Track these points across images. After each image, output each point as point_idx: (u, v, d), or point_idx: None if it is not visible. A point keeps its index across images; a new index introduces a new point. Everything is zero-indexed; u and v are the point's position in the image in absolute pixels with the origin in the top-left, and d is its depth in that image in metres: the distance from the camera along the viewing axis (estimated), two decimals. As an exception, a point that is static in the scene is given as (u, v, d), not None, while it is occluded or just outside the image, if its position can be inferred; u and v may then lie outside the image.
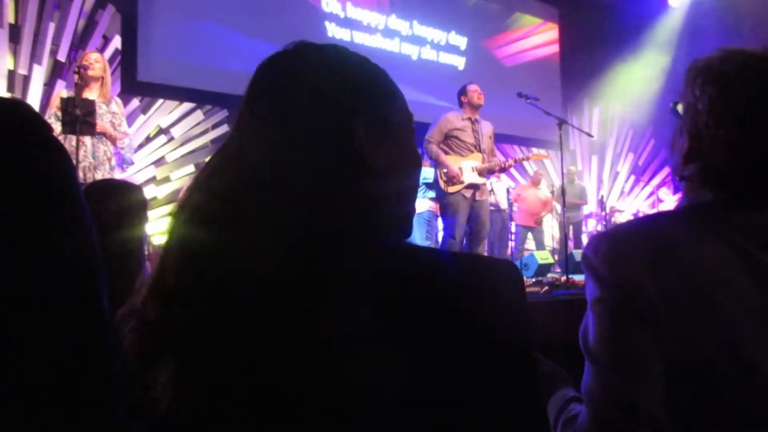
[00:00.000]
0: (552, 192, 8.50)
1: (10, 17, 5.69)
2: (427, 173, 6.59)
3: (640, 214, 10.28)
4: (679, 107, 0.92)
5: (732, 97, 0.83)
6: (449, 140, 4.57)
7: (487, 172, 4.62)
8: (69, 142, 3.49)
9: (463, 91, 4.71)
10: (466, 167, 4.50)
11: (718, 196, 0.84)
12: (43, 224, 0.53)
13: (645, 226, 0.87)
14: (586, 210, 9.44)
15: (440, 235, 7.64)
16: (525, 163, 9.18)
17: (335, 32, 7.71)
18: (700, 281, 0.76)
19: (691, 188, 0.89)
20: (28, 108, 0.57)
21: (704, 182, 0.86)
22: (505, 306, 0.64)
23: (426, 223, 6.51)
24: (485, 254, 4.97)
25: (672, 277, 0.77)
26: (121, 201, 1.59)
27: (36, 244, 0.52)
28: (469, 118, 4.62)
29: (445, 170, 4.49)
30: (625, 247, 0.81)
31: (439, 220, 7.17)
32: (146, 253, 5.45)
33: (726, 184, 0.84)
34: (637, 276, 0.78)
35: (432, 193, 6.56)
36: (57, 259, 0.54)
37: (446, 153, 4.56)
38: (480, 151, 4.62)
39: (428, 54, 8.59)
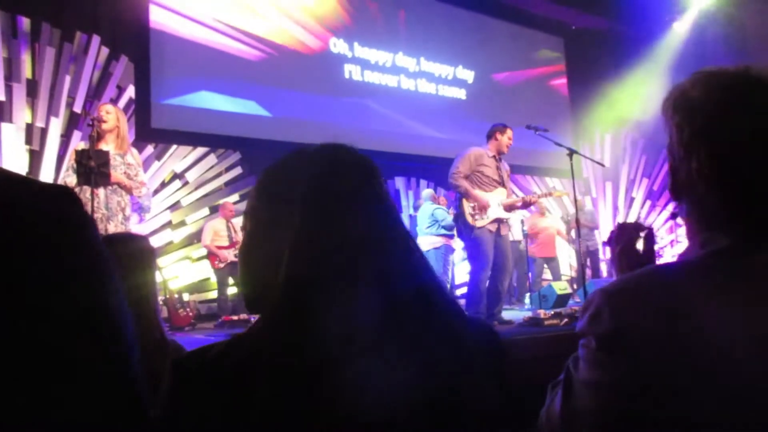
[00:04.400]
0: (566, 221, 8.46)
1: (27, 72, 5.85)
2: (437, 215, 6.61)
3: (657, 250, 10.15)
4: None
5: (697, 123, 0.75)
6: (474, 175, 4.59)
7: (509, 208, 4.64)
8: (84, 194, 3.54)
9: (498, 130, 4.71)
10: (493, 201, 4.52)
11: (734, 241, 0.72)
12: (78, 286, 0.56)
13: (651, 281, 0.76)
14: (602, 237, 9.35)
15: (456, 268, 7.62)
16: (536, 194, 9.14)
17: (344, 72, 7.84)
18: (701, 351, 0.67)
19: (696, 228, 0.78)
20: (71, 194, 0.61)
21: (703, 221, 0.76)
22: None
23: (442, 257, 6.53)
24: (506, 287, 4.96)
25: (673, 331, 0.68)
26: (127, 250, 1.62)
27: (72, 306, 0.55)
28: (494, 156, 4.67)
29: (473, 204, 4.50)
30: (627, 308, 0.72)
31: (455, 254, 7.16)
32: (163, 298, 5.44)
33: (726, 221, 0.73)
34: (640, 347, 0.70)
35: (444, 230, 6.56)
36: (94, 322, 0.57)
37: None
38: (503, 186, 4.65)
39: (435, 88, 8.69)
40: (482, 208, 4.48)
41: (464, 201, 4.53)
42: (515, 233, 7.41)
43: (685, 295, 0.71)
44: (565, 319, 4.10)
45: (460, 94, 8.95)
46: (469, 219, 4.48)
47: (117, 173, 3.65)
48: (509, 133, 4.70)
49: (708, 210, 0.76)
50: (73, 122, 6.10)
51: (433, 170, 7.98)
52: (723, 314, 0.68)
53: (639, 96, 10.01)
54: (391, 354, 0.64)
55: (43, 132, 5.90)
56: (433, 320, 0.71)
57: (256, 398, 0.61)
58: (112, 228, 3.53)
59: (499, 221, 4.56)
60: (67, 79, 6.07)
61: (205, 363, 0.65)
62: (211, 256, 6.36)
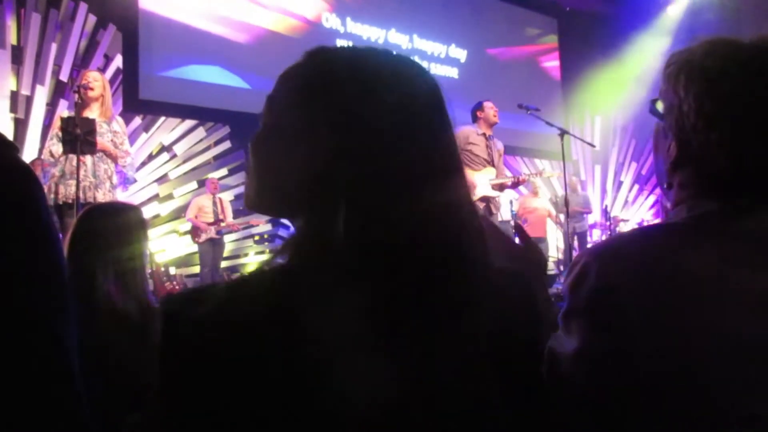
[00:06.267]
0: (555, 203, 8.47)
1: (12, 38, 5.73)
2: None
3: (645, 224, 10.23)
4: (659, 105, 0.82)
5: (721, 95, 0.73)
6: (463, 154, 4.56)
7: (500, 187, 4.64)
8: (70, 162, 3.49)
9: (479, 107, 4.70)
10: (481, 180, 4.51)
11: (723, 205, 0.74)
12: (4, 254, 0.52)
13: (637, 240, 0.78)
14: (590, 219, 9.40)
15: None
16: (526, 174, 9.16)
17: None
18: (690, 290, 0.68)
19: (686, 196, 0.79)
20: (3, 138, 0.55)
21: (699, 189, 0.77)
22: (521, 316, 0.69)
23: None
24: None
25: (659, 286, 0.69)
26: (119, 221, 1.59)
27: None
28: (484, 134, 4.64)
29: None
30: (614, 265, 0.72)
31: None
32: (149, 271, 5.43)
33: (724, 189, 0.74)
34: (620, 288, 0.70)
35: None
36: (14, 292, 0.52)
37: None
38: (493, 165, 4.63)
39: (427, 66, 8.59)
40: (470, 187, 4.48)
41: None
42: (503, 213, 7.43)
43: (669, 254, 0.71)
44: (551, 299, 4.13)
45: (453, 72, 8.89)
46: None
47: (104, 140, 3.60)
48: (487, 104, 4.67)
49: (713, 178, 0.76)
50: (59, 91, 6.00)
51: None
52: (706, 272, 0.69)
53: (631, 79, 10.01)
54: (392, 351, 0.58)
55: (29, 100, 5.80)
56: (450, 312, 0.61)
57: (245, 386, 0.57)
58: (101, 196, 3.49)
59: (487, 200, 4.55)
60: (54, 46, 5.95)
61: (200, 327, 0.59)
62: (193, 230, 6.32)
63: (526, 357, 0.68)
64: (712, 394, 0.66)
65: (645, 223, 10.28)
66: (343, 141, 0.61)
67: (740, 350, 0.66)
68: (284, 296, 0.59)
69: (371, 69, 0.67)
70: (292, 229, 0.68)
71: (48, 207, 0.58)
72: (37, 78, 5.84)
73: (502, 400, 0.63)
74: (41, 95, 5.84)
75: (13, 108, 5.70)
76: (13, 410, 0.48)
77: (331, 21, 7.78)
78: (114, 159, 3.65)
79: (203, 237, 6.21)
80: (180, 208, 6.70)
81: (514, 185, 4.89)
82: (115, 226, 1.57)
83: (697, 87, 0.75)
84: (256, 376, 0.57)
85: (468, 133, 4.60)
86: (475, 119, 4.70)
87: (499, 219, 6.63)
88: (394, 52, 0.72)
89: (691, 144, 0.76)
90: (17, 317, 0.52)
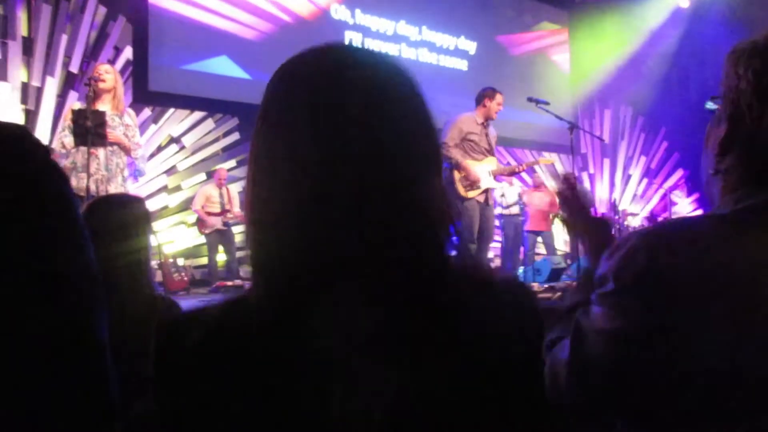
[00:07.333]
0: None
1: (23, 30, 5.76)
2: None
3: (651, 216, 10.17)
4: (711, 104, 0.84)
5: None
6: (465, 143, 4.49)
7: (499, 176, 4.61)
8: (81, 154, 3.51)
9: (490, 95, 4.57)
10: (483, 171, 4.47)
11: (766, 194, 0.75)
12: (40, 248, 0.53)
13: (684, 227, 0.78)
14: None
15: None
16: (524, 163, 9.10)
17: (345, 39, 7.74)
18: (747, 280, 0.69)
19: (732, 183, 0.79)
20: (28, 133, 0.57)
21: (746, 174, 0.77)
22: (516, 324, 0.66)
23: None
24: (492, 258, 4.95)
25: (712, 274, 0.70)
26: (123, 214, 1.60)
27: (32, 268, 0.52)
28: (482, 123, 4.58)
29: (464, 174, 4.43)
30: (663, 248, 0.72)
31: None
32: (157, 262, 5.44)
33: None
34: (667, 287, 0.70)
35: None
36: (52, 285, 0.54)
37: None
38: (492, 155, 4.59)
39: (436, 58, 8.59)
40: (473, 181, 4.43)
41: (454, 170, 4.46)
42: (514, 207, 7.41)
43: (721, 243, 0.72)
44: (558, 293, 4.13)
45: (462, 65, 8.85)
46: (460, 189, 4.43)
47: (116, 133, 3.62)
48: (499, 98, 4.56)
49: (761, 160, 0.76)
50: (69, 82, 6.03)
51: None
52: (752, 264, 0.69)
53: (641, 73, 9.94)
54: (392, 356, 0.57)
55: (39, 91, 5.83)
56: (448, 317, 0.60)
57: (244, 387, 0.57)
58: (113, 189, 3.51)
59: (486, 191, 4.52)
60: (64, 38, 5.98)
61: (194, 338, 0.59)
62: (199, 222, 6.35)
63: (525, 366, 0.66)
64: (758, 383, 0.67)
65: (652, 217, 10.24)
66: (320, 148, 0.58)
67: None
68: (274, 319, 0.58)
69: (348, 80, 0.64)
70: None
71: (78, 204, 0.61)
72: (47, 69, 5.87)
73: (496, 410, 0.61)
74: (51, 87, 5.88)
75: (24, 99, 5.74)
76: (49, 387, 0.50)
77: (340, 12, 7.76)
78: (127, 151, 3.68)
79: (209, 228, 6.26)
80: (188, 199, 6.73)
81: (511, 174, 4.85)
82: (118, 219, 1.58)
83: (757, 65, 0.76)
84: (248, 401, 0.57)
85: (469, 122, 4.52)
86: (477, 104, 4.61)
87: (509, 212, 6.64)
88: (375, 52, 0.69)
89: (743, 120, 0.77)
90: (62, 312, 0.55)
